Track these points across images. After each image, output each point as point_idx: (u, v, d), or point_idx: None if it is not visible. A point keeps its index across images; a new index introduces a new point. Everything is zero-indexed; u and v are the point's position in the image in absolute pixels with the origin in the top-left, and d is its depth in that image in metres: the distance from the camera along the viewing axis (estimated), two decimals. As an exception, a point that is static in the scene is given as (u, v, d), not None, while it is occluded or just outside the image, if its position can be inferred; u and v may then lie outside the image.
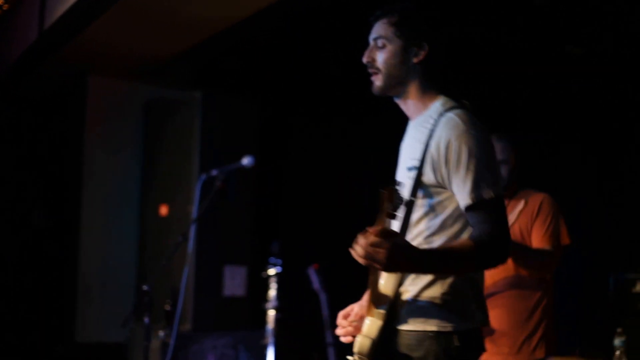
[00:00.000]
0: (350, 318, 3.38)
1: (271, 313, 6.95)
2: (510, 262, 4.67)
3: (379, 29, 3.33)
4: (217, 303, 7.82)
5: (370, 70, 3.35)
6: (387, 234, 2.86)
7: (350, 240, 8.51)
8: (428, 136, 3.15)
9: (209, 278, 7.76)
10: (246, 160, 6.26)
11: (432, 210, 3.13)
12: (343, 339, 3.38)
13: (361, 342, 3.10)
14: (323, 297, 7.45)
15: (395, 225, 3.17)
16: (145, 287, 5.36)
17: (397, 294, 3.14)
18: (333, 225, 8.71)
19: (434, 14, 3.31)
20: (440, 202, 3.13)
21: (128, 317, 5.89)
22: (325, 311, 7.41)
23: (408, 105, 3.35)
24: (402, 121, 3.19)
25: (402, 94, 3.33)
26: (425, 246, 3.09)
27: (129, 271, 8.41)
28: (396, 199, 2.98)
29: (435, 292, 3.10)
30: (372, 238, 2.83)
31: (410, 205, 3.11)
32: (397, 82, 3.30)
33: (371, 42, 3.36)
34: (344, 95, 8.68)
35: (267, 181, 8.57)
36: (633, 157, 8.03)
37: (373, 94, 3.40)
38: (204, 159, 7.70)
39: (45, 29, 7.59)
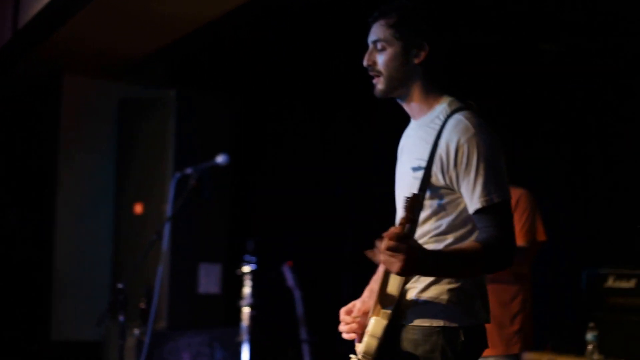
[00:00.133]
0: (354, 314, 3.36)
1: (246, 310, 6.95)
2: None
3: (377, 31, 3.28)
4: (192, 301, 7.81)
5: (371, 74, 3.32)
6: (404, 238, 2.85)
7: (323, 238, 8.51)
8: (436, 137, 3.14)
9: (183, 276, 7.75)
10: (221, 159, 6.29)
11: (439, 211, 3.14)
12: (346, 336, 3.37)
13: (368, 343, 3.11)
14: (297, 294, 7.49)
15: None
16: (120, 286, 5.36)
17: (403, 292, 3.16)
18: (307, 223, 8.76)
19: (433, 12, 3.30)
20: (447, 204, 3.14)
21: (103, 315, 5.89)
22: (299, 308, 7.45)
23: (411, 106, 3.33)
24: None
25: (405, 96, 3.31)
26: (431, 246, 3.11)
27: (104, 269, 8.40)
28: (419, 206, 2.97)
29: (441, 288, 3.13)
30: (390, 243, 2.82)
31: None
32: (399, 85, 3.28)
33: (370, 44, 3.31)
34: (318, 93, 8.72)
35: (241, 179, 8.57)
36: (606, 153, 8.08)
37: (375, 96, 3.38)
38: (178, 157, 7.68)
39: (19, 28, 7.58)
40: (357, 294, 3.47)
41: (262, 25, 7.62)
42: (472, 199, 3.06)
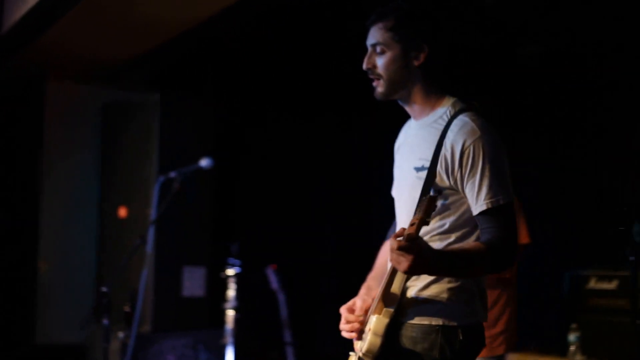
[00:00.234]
0: (357, 313, 3.34)
1: (230, 313, 6.95)
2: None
3: (376, 35, 3.26)
4: (177, 304, 7.82)
5: (371, 77, 3.30)
6: (416, 239, 2.85)
7: (307, 241, 8.53)
8: (440, 137, 3.15)
9: (168, 279, 7.76)
10: (204, 162, 6.31)
11: (443, 210, 3.15)
12: (346, 335, 3.35)
13: (372, 341, 3.11)
14: (281, 297, 7.50)
15: (406, 224, 3.15)
16: (104, 289, 5.37)
17: (404, 290, 3.17)
18: (291, 226, 8.79)
19: (431, 13, 3.29)
20: (451, 204, 3.16)
21: (87, 318, 5.91)
22: (283, 311, 7.46)
23: (413, 108, 3.32)
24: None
25: (406, 98, 3.29)
26: (435, 244, 3.12)
27: (88, 273, 8.41)
28: (434, 208, 2.93)
29: (441, 287, 3.14)
30: (402, 243, 2.83)
31: (419, 203, 3.06)
32: (400, 87, 3.26)
33: (369, 48, 3.29)
34: (301, 96, 8.74)
35: (225, 183, 8.58)
36: (588, 155, 8.12)
37: (376, 99, 3.35)
38: (162, 161, 7.68)
39: (2, 34, 7.58)
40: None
41: (244, 29, 7.64)
42: (477, 201, 3.08)
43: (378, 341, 3.11)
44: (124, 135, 8.16)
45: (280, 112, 9.04)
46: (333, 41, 7.78)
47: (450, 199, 3.15)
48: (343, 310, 3.37)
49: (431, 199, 2.89)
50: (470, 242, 3.13)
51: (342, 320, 3.34)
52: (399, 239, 2.85)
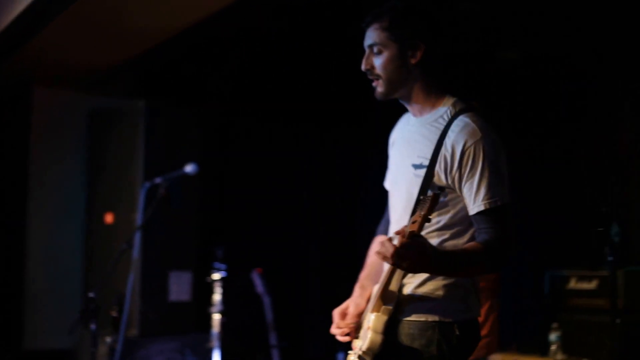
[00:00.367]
0: (348, 319, 3.38)
1: (216, 317, 6.97)
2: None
3: (372, 36, 3.28)
4: (163, 308, 7.83)
5: (370, 77, 3.32)
6: (419, 237, 2.89)
7: (291, 245, 8.57)
8: (440, 136, 3.17)
9: (154, 284, 7.75)
10: (189, 168, 6.35)
11: (440, 207, 3.16)
12: (340, 338, 3.39)
13: (372, 339, 3.15)
14: (266, 300, 7.53)
15: (403, 222, 3.21)
16: (91, 294, 5.33)
17: (400, 287, 3.20)
18: (275, 231, 8.83)
19: (426, 11, 3.30)
20: (448, 201, 3.18)
21: (75, 323, 5.92)
22: (268, 314, 7.49)
23: (414, 106, 3.34)
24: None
25: (407, 97, 3.32)
26: (431, 241, 3.11)
27: (75, 278, 8.42)
28: (436, 206, 2.95)
29: (437, 284, 3.18)
30: (405, 240, 2.86)
31: (421, 201, 3.07)
32: (399, 86, 3.28)
33: (367, 49, 3.31)
34: (285, 103, 8.78)
35: (210, 188, 8.60)
36: (567, 157, 8.18)
37: (376, 99, 3.36)
38: (147, 167, 7.67)
39: (-11, 42, 7.61)
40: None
41: (229, 36, 7.68)
42: (475, 201, 3.11)
43: (379, 339, 3.15)
44: (109, 142, 8.17)
45: (265, 118, 9.07)
46: (317, 48, 7.83)
47: (447, 197, 3.17)
48: (335, 314, 3.41)
49: (435, 197, 2.91)
50: (468, 242, 3.17)
51: (334, 325, 3.38)
52: (403, 237, 2.87)
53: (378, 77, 3.29)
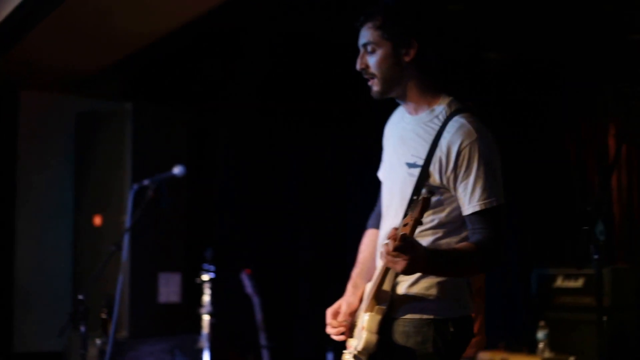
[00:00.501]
0: (340, 318, 3.38)
1: (206, 318, 6.97)
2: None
3: (366, 35, 3.29)
4: (153, 310, 7.83)
5: (366, 77, 3.32)
6: (410, 240, 2.88)
7: (280, 246, 8.58)
8: (435, 137, 3.18)
9: (143, 285, 7.74)
10: (177, 170, 6.35)
11: (433, 207, 3.17)
12: (335, 337, 3.39)
13: (368, 339, 3.17)
14: (256, 301, 7.54)
15: (397, 220, 3.21)
16: (80, 296, 5.32)
17: (394, 285, 3.21)
18: (264, 232, 8.85)
19: (418, 9, 3.31)
20: (442, 201, 3.19)
21: (64, 326, 5.92)
22: (258, 315, 7.51)
23: (409, 105, 3.35)
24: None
25: (402, 95, 3.32)
26: (424, 240, 3.14)
27: (64, 281, 8.40)
28: (428, 208, 2.96)
29: (430, 282, 3.19)
30: (398, 244, 2.85)
31: (413, 203, 3.11)
32: (395, 84, 3.29)
33: (361, 48, 3.32)
34: (272, 103, 8.80)
35: (198, 189, 8.61)
36: (552, 157, 8.22)
37: (373, 98, 3.36)
38: (136, 169, 7.66)
39: (-25, 45, 7.60)
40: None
41: (216, 37, 7.69)
42: (469, 201, 3.12)
43: (374, 339, 3.16)
44: (97, 144, 8.15)
45: (251, 119, 9.09)
46: (304, 48, 7.86)
47: (441, 197, 3.18)
48: (328, 313, 3.41)
49: (425, 199, 2.92)
50: (461, 243, 3.17)
51: (328, 325, 3.39)
52: (396, 240, 2.87)
53: (373, 75, 3.30)
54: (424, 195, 2.95)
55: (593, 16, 6.88)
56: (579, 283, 7.00)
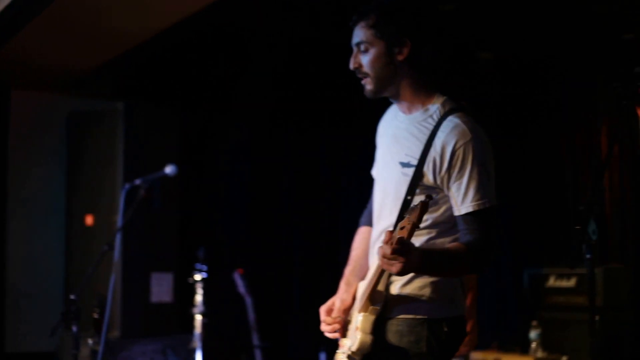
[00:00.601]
0: (334, 314, 3.37)
1: (198, 318, 6.95)
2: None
3: (359, 34, 3.28)
4: (145, 310, 7.82)
5: (359, 76, 3.31)
6: (407, 243, 2.87)
7: (273, 245, 8.58)
8: (429, 137, 3.17)
9: (136, 285, 7.74)
10: (169, 169, 6.33)
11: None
12: (329, 335, 3.39)
13: (362, 340, 3.17)
14: (248, 301, 7.54)
15: (391, 220, 3.23)
16: (72, 296, 5.33)
17: (387, 285, 3.21)
18: (256, 231, 8.84)
19: (411, 8, 3.29)
20: (437, 200, 3.18)
21: (56, 326, 5.91)
22: (250, 314, 7.50)
23: (403, 104, 3.34)
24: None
25: (396, 94, 3.31)
26: (416, 239, 3.10)
27: (56, 281, 8.38)
28: (425, 212, 2.93)
29: (423, 282, 3.18)
30: (395, 247, 2.84)
31: (408, 203, 3.14)
32: (388, 83, 3.27)
33: (354, 47, 3.31)
34: (263, 103, 8.79)
35: (190, 189, 8.60)
36: (545, 156, 8.23)
37: (367, 98, 3.35)
38: (127, 168, 7.66)
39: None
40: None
41: (207, 37, 7.69)
42: (462, 202, 3.12)
43: (368, 339, 3.17)
44: (89, 144, 8.14)
45: (244, 118, 9.08)
46: (297, 48, 7.86)
47: (437, 196, 3.17)
48: (322, 311, 3.40)
49: (424, 204, 2.90)
50: (453, 243, 3.17)
51: (322, 322, 3.38)
52: (392, 244, 2.86)
53: (366, 75, 3.29)
54: (422, 200, 2.93)
55: (586, 16, 6.89)
56: (571, 283, 7.01)
